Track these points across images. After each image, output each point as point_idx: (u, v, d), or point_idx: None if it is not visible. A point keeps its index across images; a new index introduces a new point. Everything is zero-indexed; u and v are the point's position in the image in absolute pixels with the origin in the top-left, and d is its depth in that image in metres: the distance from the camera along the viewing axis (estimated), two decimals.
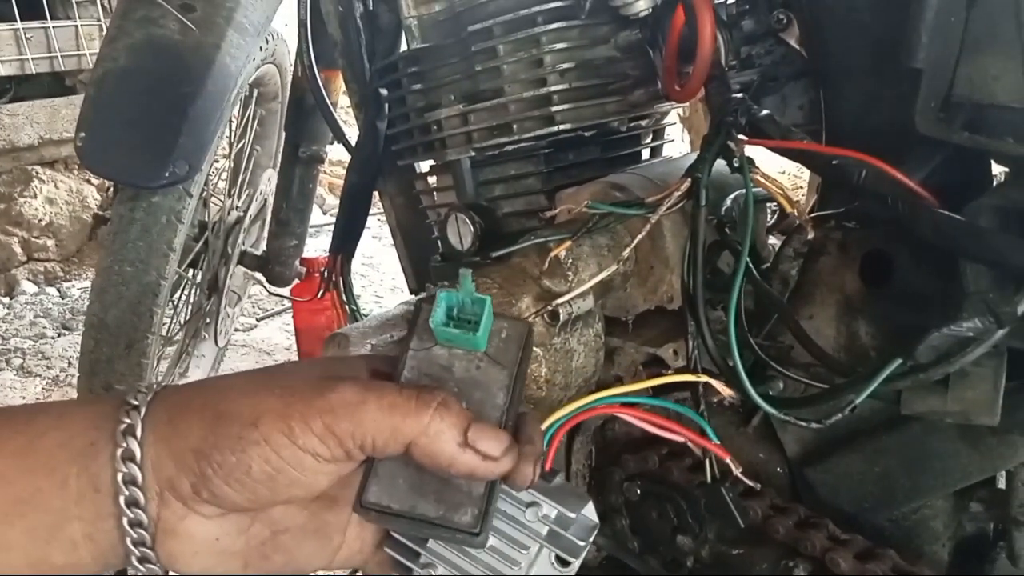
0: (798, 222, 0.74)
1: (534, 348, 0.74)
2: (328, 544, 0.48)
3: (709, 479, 0.74)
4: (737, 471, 0.51)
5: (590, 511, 0.49)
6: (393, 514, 0.44)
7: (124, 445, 0.41)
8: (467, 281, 0.46)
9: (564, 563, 0.48)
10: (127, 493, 0.41)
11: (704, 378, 0.49)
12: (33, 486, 0.41)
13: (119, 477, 0.41)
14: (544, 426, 0.48)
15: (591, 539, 0.48)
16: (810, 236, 0.75)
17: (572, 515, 0.47)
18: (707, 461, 0.74)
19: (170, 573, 0.44)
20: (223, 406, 0.42)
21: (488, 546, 0.46)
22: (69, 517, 0.41)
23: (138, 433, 0.41)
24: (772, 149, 0.71)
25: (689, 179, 0.71)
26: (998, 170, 0.71)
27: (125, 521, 0.41)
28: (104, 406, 0.43)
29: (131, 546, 0.41)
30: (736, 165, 0.69)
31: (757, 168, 0.69)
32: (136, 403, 0.42)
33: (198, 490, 0.41)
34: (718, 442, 0.47)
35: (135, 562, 0.42)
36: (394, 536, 0.48)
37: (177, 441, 0.41)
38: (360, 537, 0.49)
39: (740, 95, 0.73)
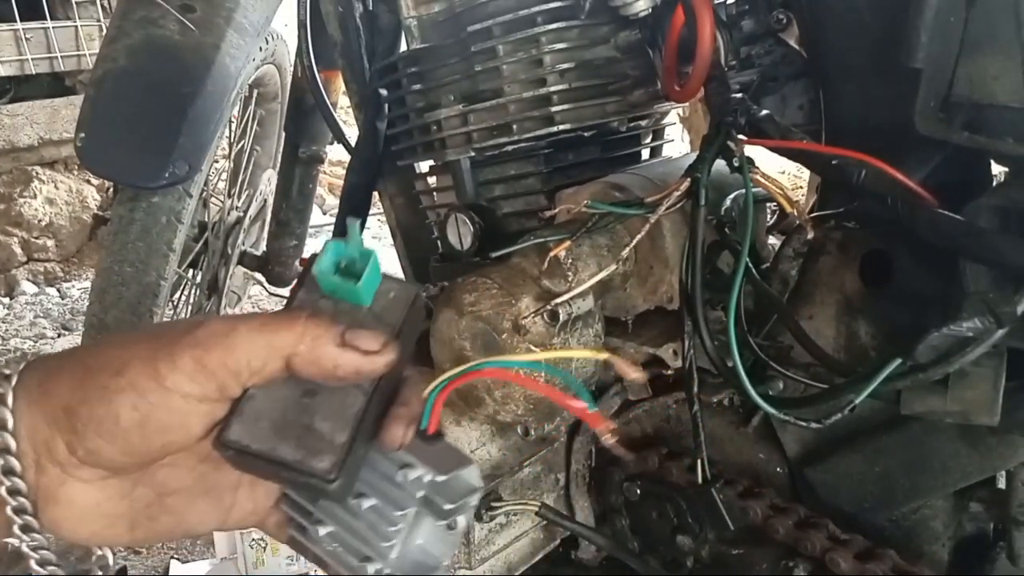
0: (798, 222, 0.74)
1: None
2: (219, 504, 0.47)
3: (700, 480, 0.73)
4: (610, 437, 0.48)
5: (471, 474, 0.48)
6: (251, 454, 0.43)
7: None
8: (355, 232, 0.45)
9: (448, 527, 0.48)
10: (2, 462, 0.40)
11: (604, 355, 0.48)
12: None
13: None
14: (427, 390, 0.47)
15: (469, 501, 0.47)
16: (810, 236, 0.75)
17: (443, 478, 0.46)
18: (698, 462, 0.74)
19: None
20: (91, 360, 0.41)
21: (369, 505, 0.46)
22: None
23: (9, 401, 0.41)
24: (772, 149, 0.71)
25: (688, 179, 0.71)
26: (998, 170, 0.71)
27: (3, 490, 0.40)
28: None
29: (12, 515, 0.41)
30: (736, 165, 0.69)
31: (757, 168, 0.69)
32: (7, 372, 0.42)
33: (73, 449, 0.41)
34: (596, 410, 0.46)
35: (17, 531, 0.41)
36: (288, 494, 0.48)
37: (48, 402, 0.41)
38: (252, 497, 0.48)
39: (740, 95, 0.73)
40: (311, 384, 0.44)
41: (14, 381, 0.41)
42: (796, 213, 0.70)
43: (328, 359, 0.42)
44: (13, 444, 0.40)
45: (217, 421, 0.43)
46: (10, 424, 0.40)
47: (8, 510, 0.41)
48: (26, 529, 0.42)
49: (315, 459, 0.43)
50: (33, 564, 0.43)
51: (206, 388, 0.41)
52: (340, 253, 0.45)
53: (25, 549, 0.42)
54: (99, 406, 0.40)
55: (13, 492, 0.40)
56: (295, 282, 0.48)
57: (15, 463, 0.40)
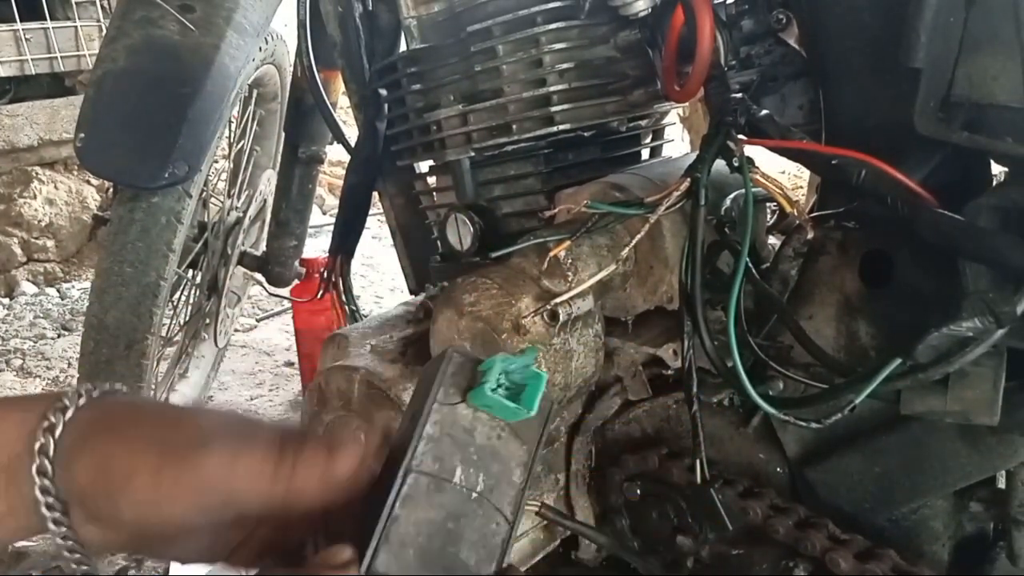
0: (798, 222, 0.74)
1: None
2: (223, 541, 0.50)
3: (699, 480, 0.73)
4: None
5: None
6: None
7: (37, 461, 0.44)
8: (532, 354, 0.46)
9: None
10: (44, 500, 0.44)
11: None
12: None
13: (36, 488, 0.44)
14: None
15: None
16: (810, 236, 0.75)
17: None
18: (696, 462, 0.74)
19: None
20: (109, 452, 0.44)
21: None
22: None
23: (50, 453, 0.44)
24: (772, 149, 0.71)
25: (688, 179, 0.71)
26: (998, 170, 0.71)
27: (49, 523, 0.45)
28: (29, 414, 0.46)
29: (45, 511, 0.45)
30: (736, 165, 0.69)
31: (757, 168, 0.69)
32: (53, 421, 0.45)
33: (86, 518, 0.45)
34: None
35: (51, 524, 0.45)
36: None
37: (71, 480, 0.44)
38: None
39: (740, 95, 0.73)
40: (454, 505, 0.43)
41: (58, 432, 0.45)
42: (796, 213, 0.70)
43: (321, 487, 0.43)
44: (53, 489, 0.44)
45: (219, 518, 0.44)
46: (50, 473, 0.44)
47: (42, 507, 0.45)
48: (57, 523, 0.45)
49: None
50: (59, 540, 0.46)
51: (207, 510, 0.43)
52: (505, 368, 0.44)
53: (59, 540, 0.46)
54: (105, 503, 0.43)
55: (57, 523, 0.45)
56: (424, 379, 0.46)
57: (56, 503, 0.44)
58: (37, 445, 0.45)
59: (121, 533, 0.45)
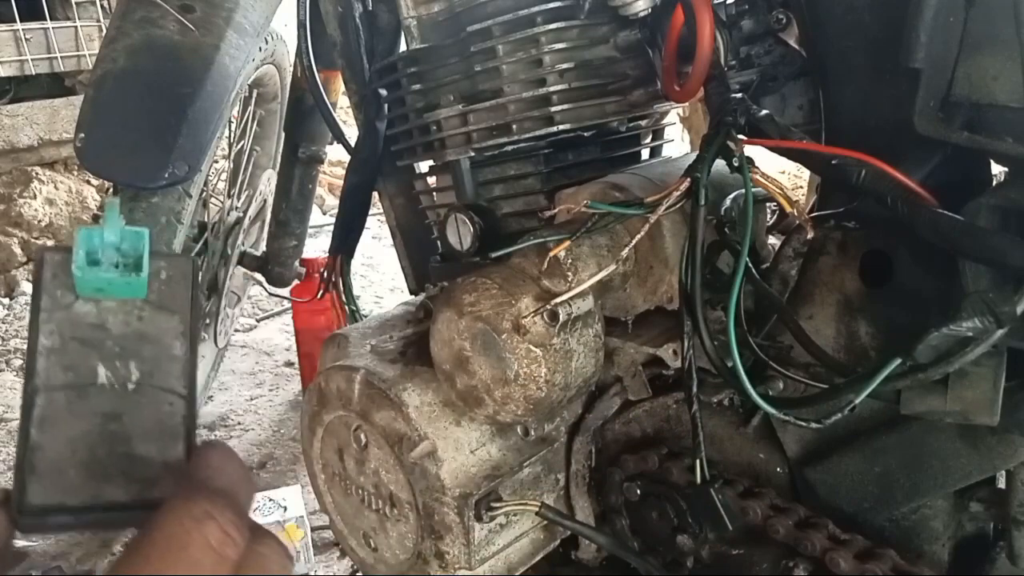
0: (798, 222, 0.74)
1: (532, 348, 0.74)
2: None
3: (699, 480, 0.73)
4: None
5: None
6: (69, 511, 0.37)
7: None
8: (114, 213, 0.39)
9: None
10: None
11: None
12: None
13: None
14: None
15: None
16: (810, 236, 0.75)
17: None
18: (696, 462, 0.74)
19: None
20: None
21: None
22: None
23: None
24: (772, 149, 0.71)
25: (688, 179, 0.71)
26: (997, 170, 0.71)
27: None
28: None
29: None
30: (736, 165, 0.69)
31: (757, 168, 0.69)
32: None
33: None
34: None
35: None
36: None
37: None
38: None
39: (740, 95, 0.73)
40: (109, 405, 0.39)
41: None
42: (796, 213, 0.70)
43: None
44: None
45: None
46: None
47: None
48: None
49: (153, 489, 0.38)
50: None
51: None
52: (94, 242, 0.38)
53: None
54: None
55: None
56: (33, 289, 0.40)
57: None
58: None
59: None
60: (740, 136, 0.71)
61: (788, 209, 0.69)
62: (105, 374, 0.39)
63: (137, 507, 0.38)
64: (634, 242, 0.76)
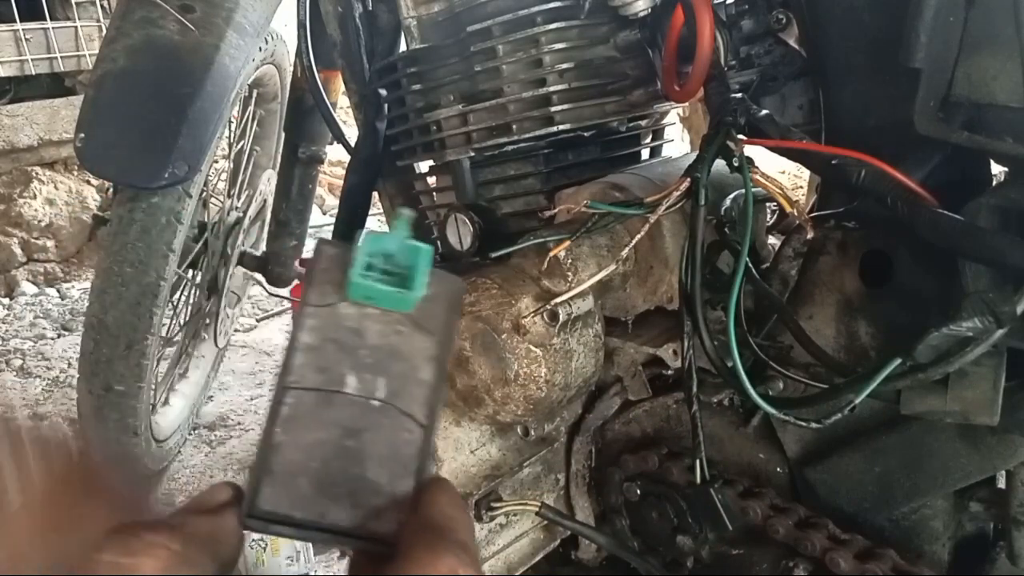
0: (798, 222, 0.74)
1: (532, 348, 0.74)
2: None
3: (699, 480, 0.73)
4: None
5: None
6: (294, 524, 0.35)
7: None
8: (404, 225, 0.38)
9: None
10: None
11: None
12: None
13: None
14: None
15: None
16: (810, 236, 0.75)
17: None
18: (696, 462, 0.74)
19: None
20: None
21: None
22: None
23: None
24: (772, 149, 0.71)
25: (688, 179, 0.71)
26: (997, 170, 0.71)
27: None
28: None
29: None
30: (736, 165, 0.69)
31: (756, 168, 0.69)
32: None
33: None
34: None
35: None
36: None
37: None
38: None
39: (740, 95, 0.73)
40: (352, 418, 0.37)
41: None
42: (796, 213, 0.70)
43: None
44: None
45: None
46: None
47: None
48: None
49: (377, 521, 0.36)
50: None
51: None
52: (377, 248, 0.37)
53: None
54: None
55: None
56: (304, 281, 0.39)
57: None
58: None
59: None
60: (740, 136, 0.71)
61: (788, 209, 0.69)
62: (354, 384, 0.38)
63: (360, 537, 0.36)
64: (634, 242, 0.76)
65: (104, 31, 2.66)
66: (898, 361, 0.62)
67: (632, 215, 0.76)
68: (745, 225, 0.69)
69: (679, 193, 0.72)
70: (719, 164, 0.71)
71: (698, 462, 0.73)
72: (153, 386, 1.72)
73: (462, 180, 0.97)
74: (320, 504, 0.36)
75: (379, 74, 1.06)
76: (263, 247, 2.02)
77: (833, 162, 0.65)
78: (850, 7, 0.74)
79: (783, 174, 2.90)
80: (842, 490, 0.79)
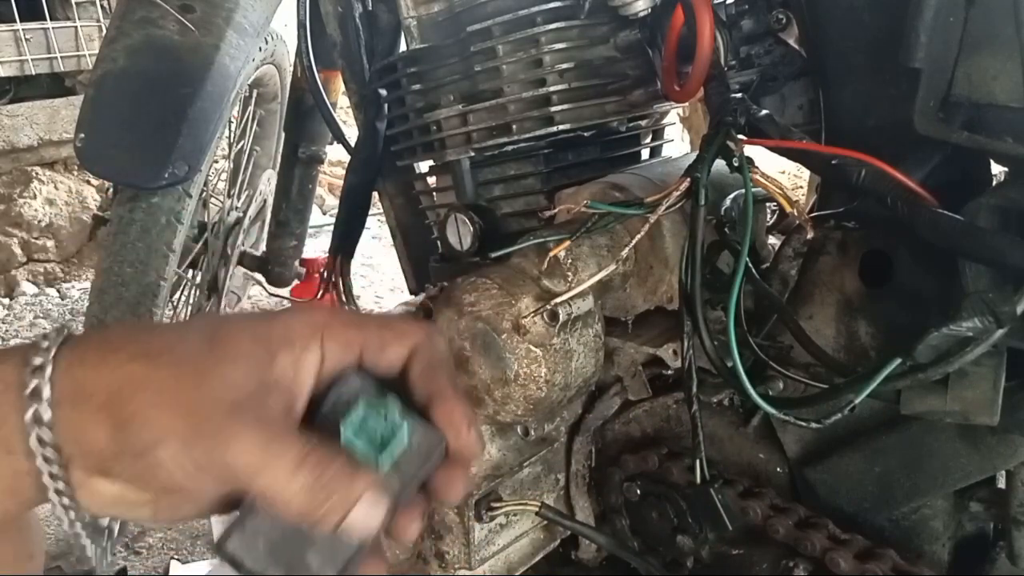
0: (798, 222, 0.74)
1: (532, 348, 0.74)
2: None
3: (699, 480, 0.73)
4: None
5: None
6: (244, 567, 0.44)
7: (33, 408, 0.40)
8: (392, 407, 0.46)
9: None
10: (42, 453, 0.41)
11: None
12: None
13: (32, 440, 0.40)
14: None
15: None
16: (810, 236, 0.75)
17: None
18: (696, 462, 0.74)
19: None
20: (129, 410, 0.41)
21: None
22: None
23: (45, 395, 0.40)
24: (772, 149, 0.71)
25: (688, 179, 0.71)
26: (997, 170, 0.71)
27: (44, 478, 0.41)
28: (7, 365, 0.42)
29: (54, 496, 0.42)
30: (736, 165, 0.69)
31: (756, 168, 0.69)
32: (40, 363, 0.41)
33: (99, 475, 0.42)
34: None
35: (59, 508, 0.43)
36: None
37: (80, 435, 0.41)
38: None
39: (739, 95, 0.73)
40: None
41: (48, 372, 0.41)
42: (796, 213, 0.70)
43: (330, 522, 0.42)
44: (50, 437, 0.41)
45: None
46: (47, 419, 0.40)
47: (51, 493, 0.42)
48: (68, 509, 0.43)
49: None
50: (66, 524, 0.44)
51: (227, 483, 0.42)
52: (369, 417, 0.45)
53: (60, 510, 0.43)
54: (129, 467, 0.41)
55: (54, 477, 0.41)
56: (318, 414, 0.46)
57: (53, 454, 0.41)
58: (28, 390, 0.40)
59: (131, 491, 0.42)
60: (740, 136, 0.71)
61: (788, 209, 0.69)
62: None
63: None
64: (634, 242, 0.76)
65: (104, 31, 2.66)
66: (898, 361, 0.62)
67: (632, 215, 0.76)
68: (745, 225, 0.69)
69: (679, 193, 0.71)
70: (719, 164, 0.71)
71: (698, 462, 0.73)
72: None
73: (462, 180, 0.97)
74: (264, 563, 0.44)
75: (379, 74, 1.06)
76: (263, 247, 2.02)
77: (833, 162, 0.65)
78: (850, 7, 0.74)
79: (783, 174, 2.90)
80: (842, 490, 0.79)
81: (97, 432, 0.41)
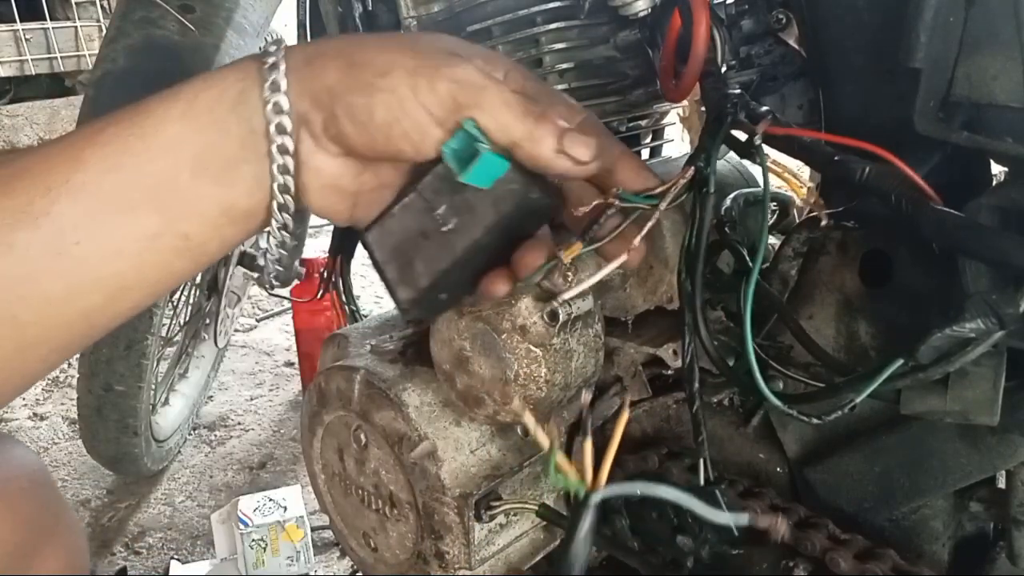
0: (808, 209, 0.73)
1: (532, 348, 0.74)
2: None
3: (702, 482, 0.73)
4: None
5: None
6: (373, 256, 0.55)
7: (270, 79, 0.46)
8: (470, 127, 0.48)
9: None
10: (275, 121, 0.46)
11: None
12: (205, 140, 0.47)
13: (267, 110, 0.46)
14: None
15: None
16: (824, 224, 0.73)
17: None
18: (700, 462, 0.73)
19: None
20: (358, 56, 0.46)
21: None
22: (238, 161, 0.47)
23: (281, 68, 0.46)
24: (775, 145, 0.71)
25: (693, 167, 0.69)
26: (998, 170, 0.71)
27: (275, 148, 0.46)
28: (246, 61, 0.49)
29: (276, 173, 0.47)
30: (755, 146, 0.66)
31: (766, 155, 0.68)
32: (274, 49, 0.48)
33: (327, 127, 0.47)
34: None
35: (277, 191, 0.48)
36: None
37: (313, 81, 0.46)
38: None
39: (738, 91, 0.73)
40: (428, 228, 0.53)
41: (282, 53, 0.47)
42: (808, 200, 0.69)
43: (544, 160, 0.48)
44: (285, 104, 0.46)
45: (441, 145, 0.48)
46: (282, 88, 0.46)
47: (275, 168, 0.47)
48: (284, 190, 0.48)
49: (401, 288, 0.55)
50: (274, 237, 0.52)
51: (447, 120, 0.46)
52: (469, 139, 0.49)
53: (274, 224, 0.50)
54: (360, 98, 0.46)
55: (283, 151, 0.47)
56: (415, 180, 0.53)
57: (287, 123, 0.46)
58: (266, 90, 0.45)
59: (361, 142, 0.47)
60: (763, 123, 0.69)
61: (799, 194, 0.68)
62: (442, 211, 0.54)
63: (388, 287, 0.59)
64: (637, 240, 0.75)
65: (104, 31, 2.67)
66: (900, 361, 0.61)
67: (635, 205, 0.75)
68: (764, 210, 0.66)
69: (684, 182, 0.70)
70: (719, 164, 0.71)
71: (702, 462, 0.73)
72: (153, 386, 1.73)
73: None
74: (387, 256, 0.55)
75: None
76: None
77: (836, 158, 0.65)
78: (850, 7, 0.74)
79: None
80: (842, 490, 0.79)
81: (329, 71, 0.46)
